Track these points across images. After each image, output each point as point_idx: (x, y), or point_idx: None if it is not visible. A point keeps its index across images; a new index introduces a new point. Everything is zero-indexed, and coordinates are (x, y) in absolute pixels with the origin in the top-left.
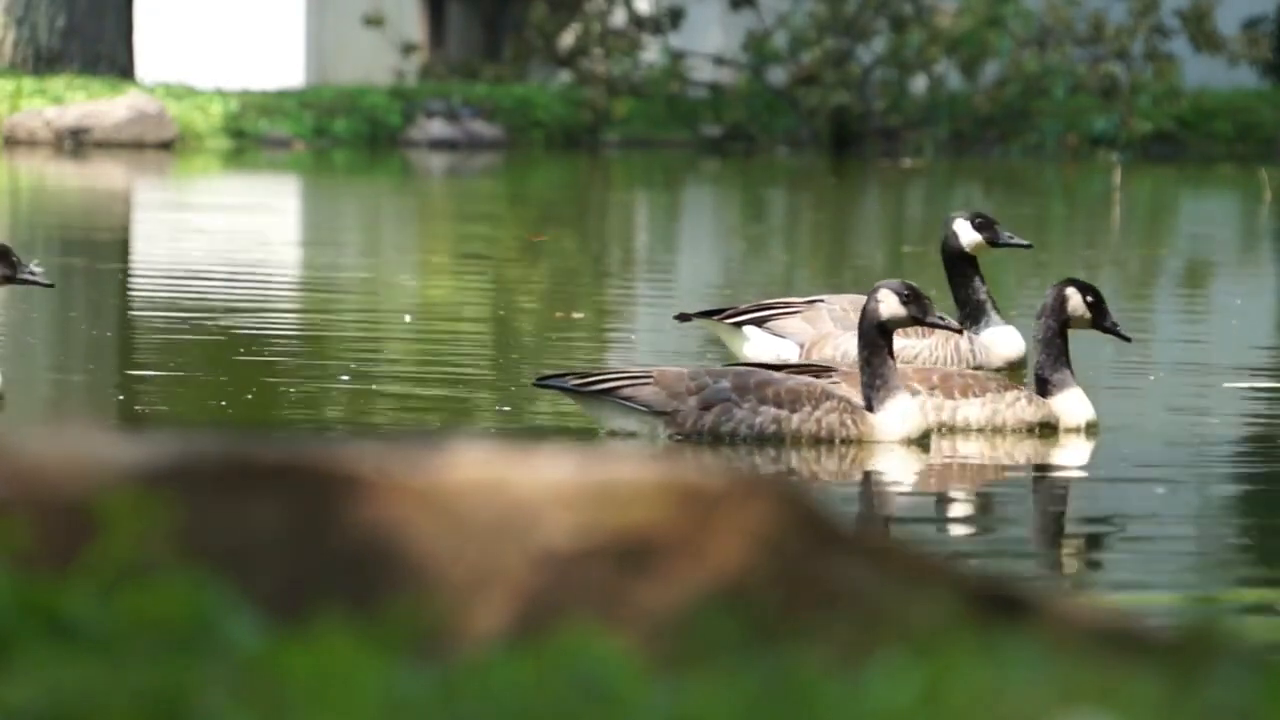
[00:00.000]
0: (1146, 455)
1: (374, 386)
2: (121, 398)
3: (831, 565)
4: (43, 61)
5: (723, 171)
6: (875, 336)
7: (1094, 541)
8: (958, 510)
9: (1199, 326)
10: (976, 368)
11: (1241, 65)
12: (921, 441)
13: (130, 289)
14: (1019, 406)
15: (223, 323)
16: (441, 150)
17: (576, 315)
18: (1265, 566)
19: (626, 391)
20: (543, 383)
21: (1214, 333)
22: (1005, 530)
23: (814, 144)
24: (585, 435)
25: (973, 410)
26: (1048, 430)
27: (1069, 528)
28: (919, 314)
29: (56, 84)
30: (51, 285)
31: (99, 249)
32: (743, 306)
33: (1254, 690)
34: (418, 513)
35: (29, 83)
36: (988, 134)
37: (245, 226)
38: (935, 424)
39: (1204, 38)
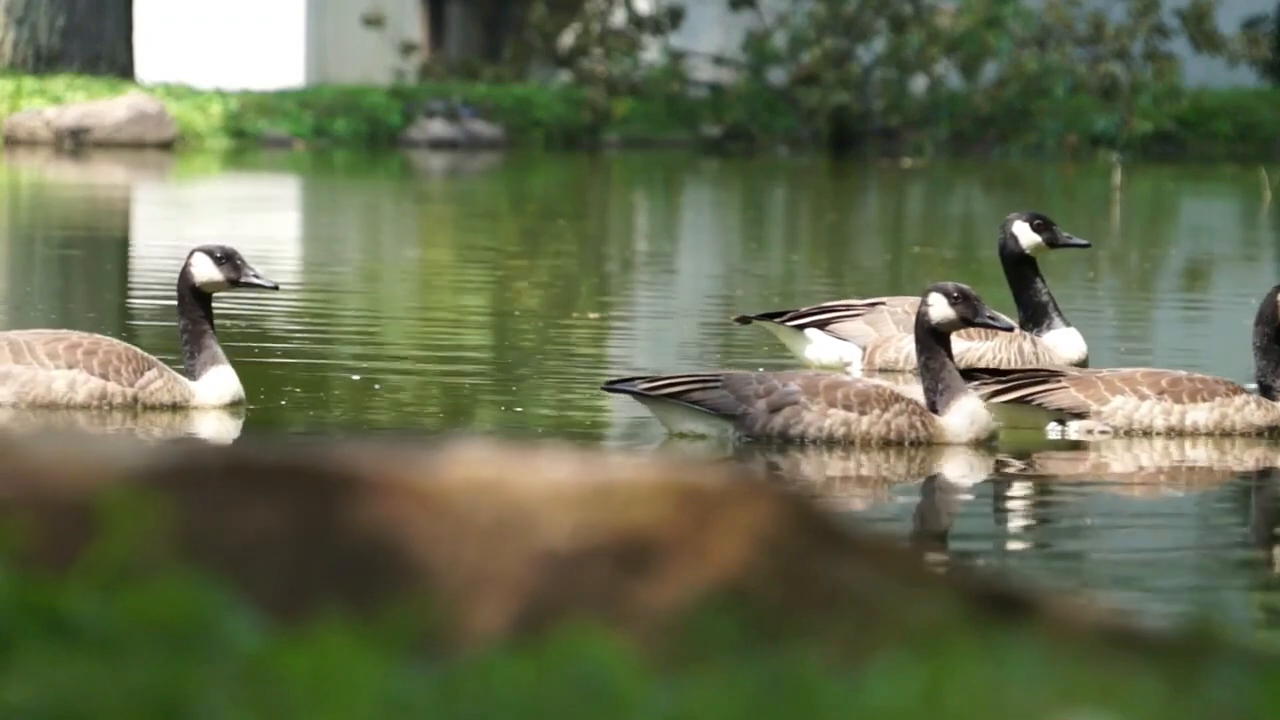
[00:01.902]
0: None
1: (384, 387)
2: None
3: (831, 565)
4: (43, 61)
5: (723, 171)
6: (929, 340)
7: None
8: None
9: (1207, 326)
10: None
11: (1241, 65)
12: (989, 443)
13: (131, 289)
14: (1248, 410)
15: (225, 323)
16: (441, 150)
17: (593, 315)
18: None
19: (696, 395)
20: (612, 387)
21: (1225, 332)
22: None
23: (814, 144)
24: (632, 437)
25: (1201, 415)
26: (1278, 434)
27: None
28: (968, 314)
29: (56, 84)
30: (276, 288)
31: (99, 249)
32: (805, 309)
33: (1254, 690)
34: (417, 513)
35: (29, 83)
36: (988, 134)
37: (246, 226)
38: (1164, 428)
39: (1204, 38)
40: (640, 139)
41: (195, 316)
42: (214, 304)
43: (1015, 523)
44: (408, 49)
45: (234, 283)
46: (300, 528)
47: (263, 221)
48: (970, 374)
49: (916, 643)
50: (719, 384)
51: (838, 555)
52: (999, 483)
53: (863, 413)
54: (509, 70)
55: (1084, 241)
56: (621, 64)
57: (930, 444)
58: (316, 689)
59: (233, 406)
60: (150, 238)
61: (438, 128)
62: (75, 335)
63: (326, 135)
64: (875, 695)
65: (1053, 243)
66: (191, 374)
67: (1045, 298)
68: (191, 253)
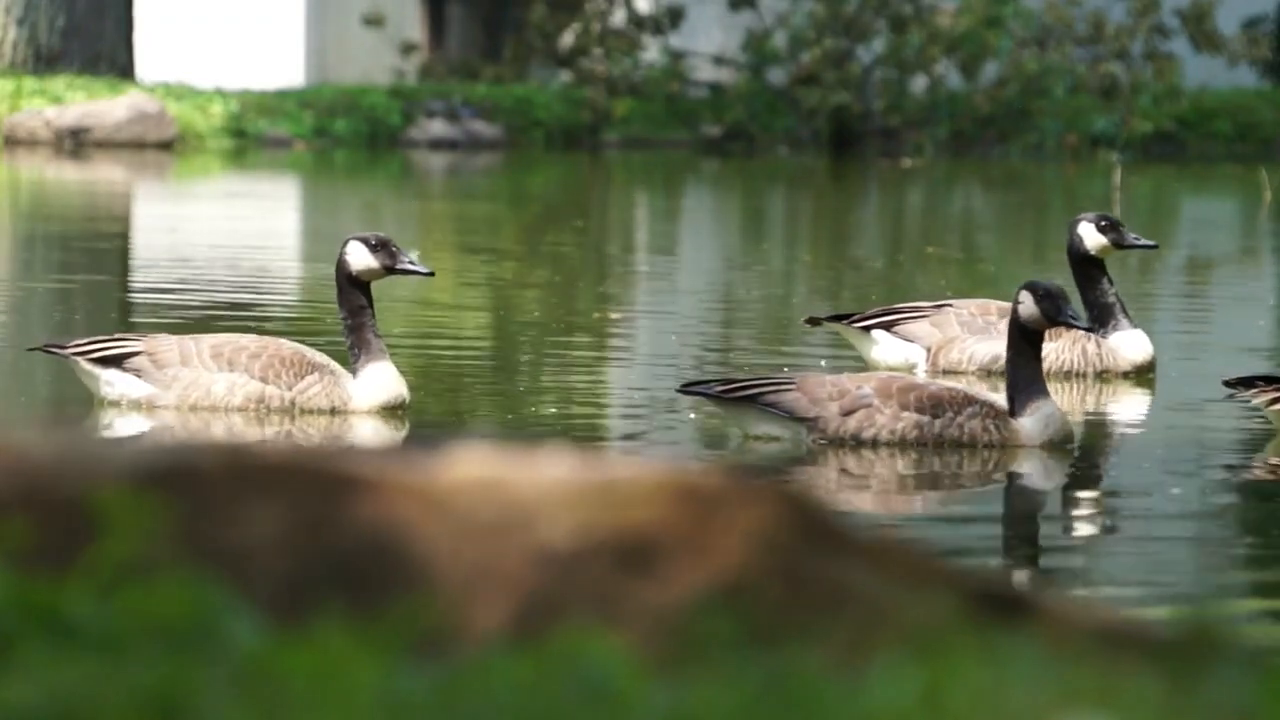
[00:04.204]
0: None
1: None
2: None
3: (831, 565)
4: (43, 61)
5: (723, 171)
6: (1020, 339)
7: None
8: None
9: (1209, 325)
10: (1103, 372)
11: (1241, 65)
12: (1064, 447)
13: (130, 290)
14: None
15: (227, 325)
16: (442, 150)
17: (613, 315)
18: None
19: (770, 398)
20: (687, 389)
21: (1227, 332)
22: None
23: (814, 144)
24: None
25: None
26: None
27: None
28: (1051, 312)
29: (56, 84)
30: (431, 274)
31: (99, 249)
32: (871, 310)
33: (1254, 690)
34: (418, 513)
35: (29, 83)
36: (988, 134)
37: (247, 227)
38: None
39: (1204, 38)
40: (640, 139)
41: (355, 306)
42: (222, 306)
43: (1060, 526)
44: (408, 49)
45: (390, 270)
46: (300, 528)
47: (264, 220)
48: (1250, 381)
49: (916, 643)
50: (793, 386)
51: (838, 555)
52: (1066, 486)
53: (935, 415)
54: (509, 70)
55: (1151, 243)
56: (621, 64)
57: (1004, 447)
58: (316, 689)
59: (392, 409)
60: (151, 237)
61: (438, 128)
62: (246, 339)
63: (327, 135)
64: (875, 695)
65: (1119, 243)
66: (354, 372)
67: (1111, 298)
68: (346, 241)
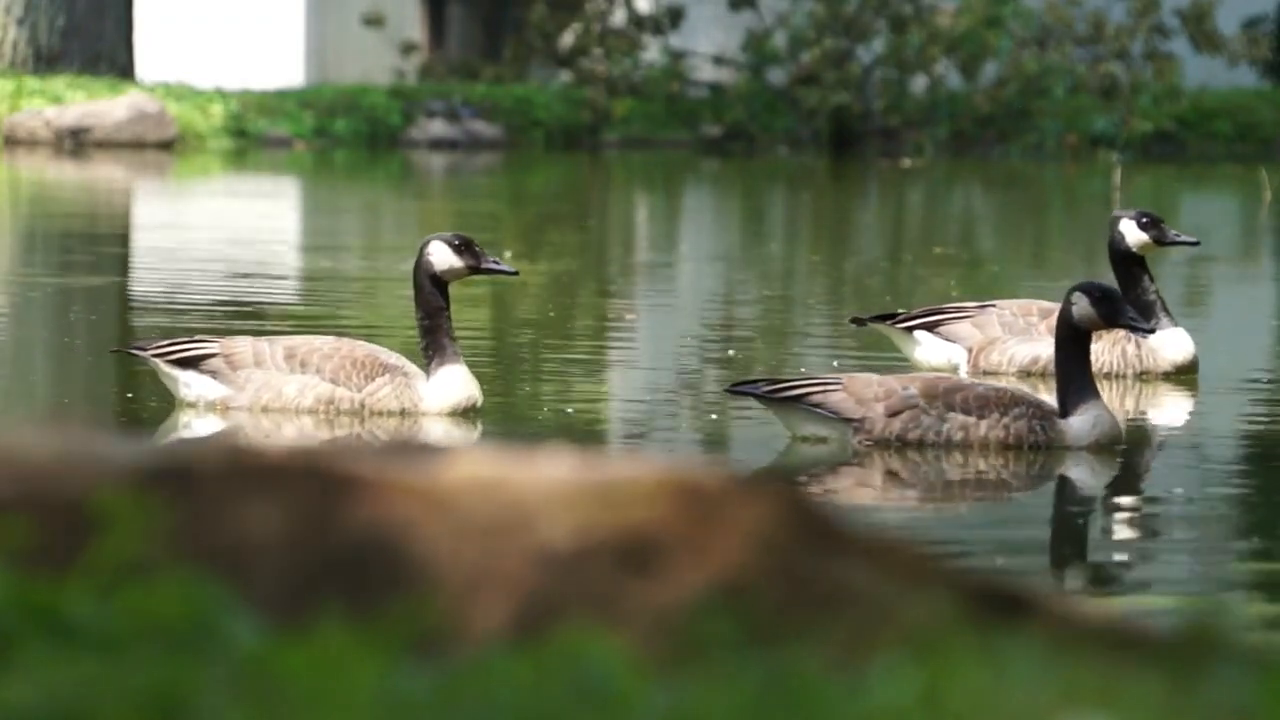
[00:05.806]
0: None
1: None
2: (129, 403)
3: (831, 565)
4: (43, 61)
5: (723, 171)
6: (1069, 340)
7: None
8: None
9: (1209, 324)
10: (1143, 372)
11: (1241, 65)
12: (1111, 448)
13: (131, 291)
14: None
15: (228, 326)
16: (442, 150)
17: (629, 316)
18: None
19: (816, 398)
20: (735, 389)
21: (1227, 331)
22: None
23: (814, 144)
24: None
25: None
26: None
27: None
28: (1111, 315)
29: (56, 84)
30: (516, 274)
31: (99, 249)
32: (915, 311)
33: (1254, 690)
34: (418, 513)
35: (29, 83)
36: (988, 134)
37: (248, 228)
38: None
39: (1204, 38)
40: (640, 139)
41: (433, 308)
42: (223, 307)
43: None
44: (408, 49)
45: (474, 270)
46: (300, 528)
47: (264, 220)
48: None
49: (916, 643)
50: (839, 386)
51: (838, 555)
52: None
53: (981, 417)
54: (509, 70)
55: (1193, 239)
56: (621, 64)
57: (1050, 448)
58: (316, 689)
59: (463, 412)
60: (151, 237)
61: (438, 128)
62: (319, 340)
63: (327, 135)
64: (875, 695)
65: (1160, 240)
66: (427, 374)
67: (1152, 297)
68: (427, 241)
